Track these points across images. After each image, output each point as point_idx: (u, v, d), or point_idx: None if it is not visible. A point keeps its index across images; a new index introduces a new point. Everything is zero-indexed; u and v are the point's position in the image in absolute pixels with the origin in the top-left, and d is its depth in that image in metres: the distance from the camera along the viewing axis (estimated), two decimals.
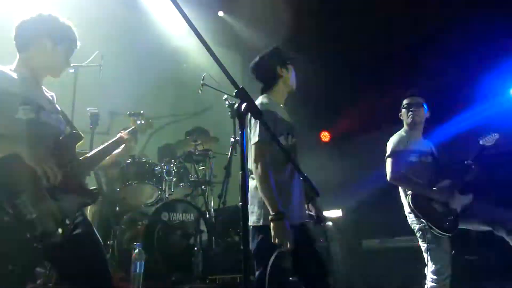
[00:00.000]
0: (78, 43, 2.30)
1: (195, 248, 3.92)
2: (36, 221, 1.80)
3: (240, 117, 1.49)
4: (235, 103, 4.68)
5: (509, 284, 3.93)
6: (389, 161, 3.35)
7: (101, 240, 2.21)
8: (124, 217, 4.50)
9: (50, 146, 2.06)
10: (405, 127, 3.53)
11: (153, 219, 3.99)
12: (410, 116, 3.45)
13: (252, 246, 2.34)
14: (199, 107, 7.06)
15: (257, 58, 2.69)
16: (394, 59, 6.35)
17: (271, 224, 2.23)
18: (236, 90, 1.50)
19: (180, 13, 1.44)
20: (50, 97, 2.26)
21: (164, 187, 4.56)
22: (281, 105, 2.68)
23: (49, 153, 1.99)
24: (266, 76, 2.66)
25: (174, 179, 4.65)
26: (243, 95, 1.51)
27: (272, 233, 2.21)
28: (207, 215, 4.63)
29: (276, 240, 2.18)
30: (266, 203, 2.29)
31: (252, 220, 2.40)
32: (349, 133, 7.15)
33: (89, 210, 4.15)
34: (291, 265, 2.31)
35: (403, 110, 3.52)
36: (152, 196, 4.61)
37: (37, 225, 1.81)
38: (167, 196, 4.51)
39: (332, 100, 7.14)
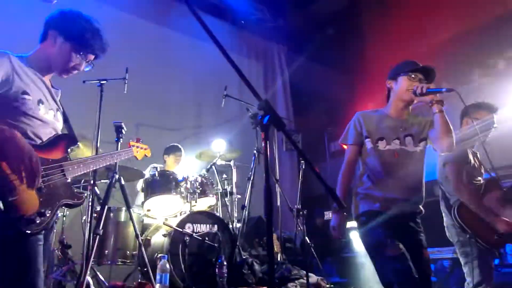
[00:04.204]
0: (98, 50, 2.16)
1: (219, 260, 3.91)
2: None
3: (263, 129, 1.47)
4: (257, 114, 4.69)
5: None
6: (452, 169, 3.13)
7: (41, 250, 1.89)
8: (149, 228, 4.55)
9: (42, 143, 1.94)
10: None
11: (177, 231, 4.00)
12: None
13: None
14: (221, 118, 7.11)
15: None
16: None
17: None
18: (259, 102, 1.49)
19: (200, 23, 1.44)
20: (54, 93, 2.15)
21: (188, 199, 4.58)
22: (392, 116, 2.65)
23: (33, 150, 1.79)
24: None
25: (197, 191, 4.68)
26: (265, 106, 1.49)
27: None
28: (231, 226, 4.63)
29: None
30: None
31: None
32: None
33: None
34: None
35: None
36: (176, 208, 4.63)
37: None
38: (191, 207, 4.52)
39: None
